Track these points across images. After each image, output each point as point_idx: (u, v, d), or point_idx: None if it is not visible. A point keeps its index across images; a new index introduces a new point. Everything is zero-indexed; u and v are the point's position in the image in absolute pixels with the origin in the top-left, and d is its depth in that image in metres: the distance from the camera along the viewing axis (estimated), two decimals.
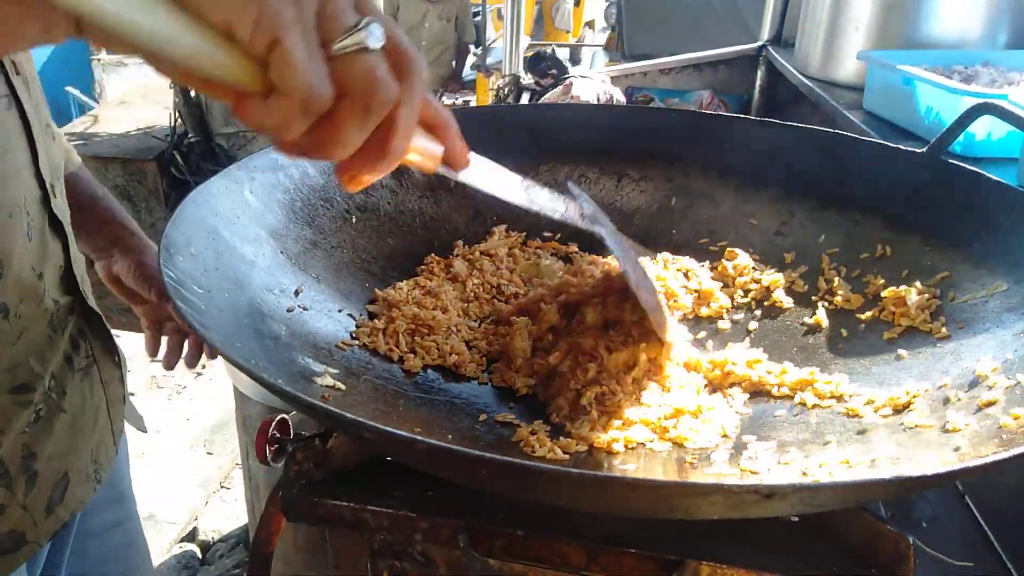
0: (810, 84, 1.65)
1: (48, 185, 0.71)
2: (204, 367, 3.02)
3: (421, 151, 0.46)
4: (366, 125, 0.39)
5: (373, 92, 0.38)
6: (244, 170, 0.83)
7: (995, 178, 0.79)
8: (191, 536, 2.23)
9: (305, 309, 0.77)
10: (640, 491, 0.47)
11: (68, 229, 0.75)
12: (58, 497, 0.72)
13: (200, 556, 2.16)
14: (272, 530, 0.71)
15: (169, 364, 0.96)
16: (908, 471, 0.54)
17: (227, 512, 2.34)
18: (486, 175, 0.55)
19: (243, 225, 0.79)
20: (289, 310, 0.75)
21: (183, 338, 0.96)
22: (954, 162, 0.84)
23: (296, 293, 0.78)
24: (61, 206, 0.74)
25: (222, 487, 2.46)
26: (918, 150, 0.88)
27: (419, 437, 0.41)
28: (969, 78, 1.27)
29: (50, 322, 0.72)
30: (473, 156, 0.51)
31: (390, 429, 0.41)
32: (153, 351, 0.97)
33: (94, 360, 0.80)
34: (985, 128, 1.13)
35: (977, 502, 0.87)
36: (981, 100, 0.86)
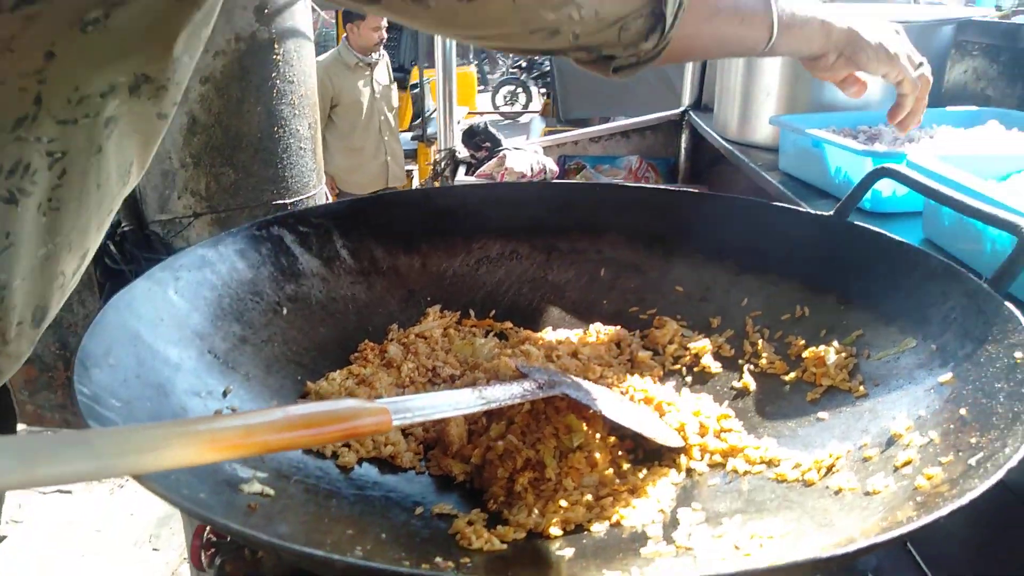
0: (729, 147, 1.73)
1: None
2: None
3: None
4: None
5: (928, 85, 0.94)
6: (168, 270, 0.82)
7: (896, 238, 0.83)
8: None
9: (234, 410, 0.75)
10: None
11: None
12: None
13: None
14: None
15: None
16: (809, 554, 0.53)
17: None
18: (437, 402, 0.63)
19: (167, 327, 0.77)
20: (217, 413, 0.74)
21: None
22: (858, 224, 0.89)
23: (224, 394, 0.77)
24: None
25: None
26: (826, 213, 0.92)
27: (335, 556, 0.40)
28: (873, 137, 1.35)
29: None
30: (418, 397, 0.62)
31: (303, 549, 0.40)
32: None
33: None
34: (890, 185, 1.20)
35: (920, 550, 0.89)
36: (881, 164, 0.91)
